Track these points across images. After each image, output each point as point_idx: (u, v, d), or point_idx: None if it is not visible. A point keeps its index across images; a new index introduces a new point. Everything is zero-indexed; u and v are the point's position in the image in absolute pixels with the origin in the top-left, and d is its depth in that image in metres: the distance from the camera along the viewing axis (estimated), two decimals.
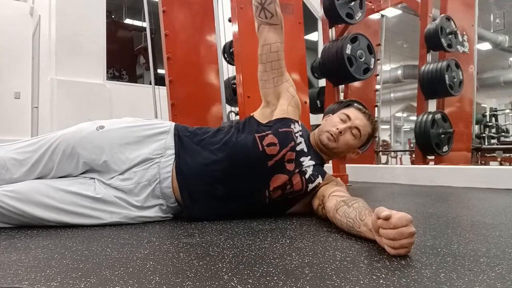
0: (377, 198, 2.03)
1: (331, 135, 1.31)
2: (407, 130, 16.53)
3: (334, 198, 1.13)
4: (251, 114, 1.42)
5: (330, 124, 1.35)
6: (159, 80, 4.02)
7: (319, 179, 1.30)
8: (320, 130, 1.36)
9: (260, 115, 1.39)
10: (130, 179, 1.19)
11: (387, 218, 0.76)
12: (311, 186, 1.28)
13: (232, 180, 1.23)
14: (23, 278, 0.66)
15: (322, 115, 3.50)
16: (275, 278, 0.65)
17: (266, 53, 1.37)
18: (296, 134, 1.31)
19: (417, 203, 1.77)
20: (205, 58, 3.47)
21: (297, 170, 1.27)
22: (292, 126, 1.33)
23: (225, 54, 4.01)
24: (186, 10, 3.42)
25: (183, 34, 3.37)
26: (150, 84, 3.92)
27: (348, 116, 1.34)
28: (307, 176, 1.28)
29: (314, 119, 4.17)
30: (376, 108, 5.14)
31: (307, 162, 1.30)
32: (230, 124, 1.39)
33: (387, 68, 11.31)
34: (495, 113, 8.33)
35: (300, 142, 1.31)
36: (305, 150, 1.31)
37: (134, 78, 7.26)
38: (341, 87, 3.60)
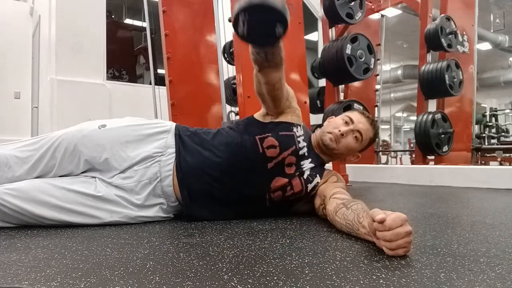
0: (377, 198, 2.03)
1: (333, 136, 1.32)
2: (407, 130, 16.53)
3: (334, 200, 1.14)
4: (252, 115, 1.41)
5: (332, 125, 1.35)
6: (159, 80, 4.01)
7: (317, 179, 1.31)
8: (322, 130, 1.36)
9: (262, 117, 1.37)
10: (131, 177, 1.19)
11: (381, 221, 0.76)
12: (310, 186, 1.29)
13: (232, 182, 1.23)
14: (23, 278, 0.66)
15: (322, 115, 3.50)
16: (275, 278, 0.65)
17: (268, 92, 1.25)
18: (299, 139, 1.31)
19: (417, 203, 1.77)
20: (205, 58, 3.46)
21: (297, 173, 1.27)
22: (295, 130, 1.32)
23: (225, 54, 4.01)
24: (186, 10, 3.41)
25: (183, 34, 3.37)
26: (150, 84, 3.92)
27: (351, 119, 1.34)
28: (305, 176, 1.28)
29: (314, 119, 4.17)
30: (376, 108, 5.14)
31: (307, 165, 1.30)
32: (229, 126, 1.38)
33: (387, 68, 11.30)
34: (495, 113, 8.31)
35: (303, 147, 1.31)
36: (306, 154, 1.31)
37: (134, 78, 7.24)
38: (341, 87, 3.60)
